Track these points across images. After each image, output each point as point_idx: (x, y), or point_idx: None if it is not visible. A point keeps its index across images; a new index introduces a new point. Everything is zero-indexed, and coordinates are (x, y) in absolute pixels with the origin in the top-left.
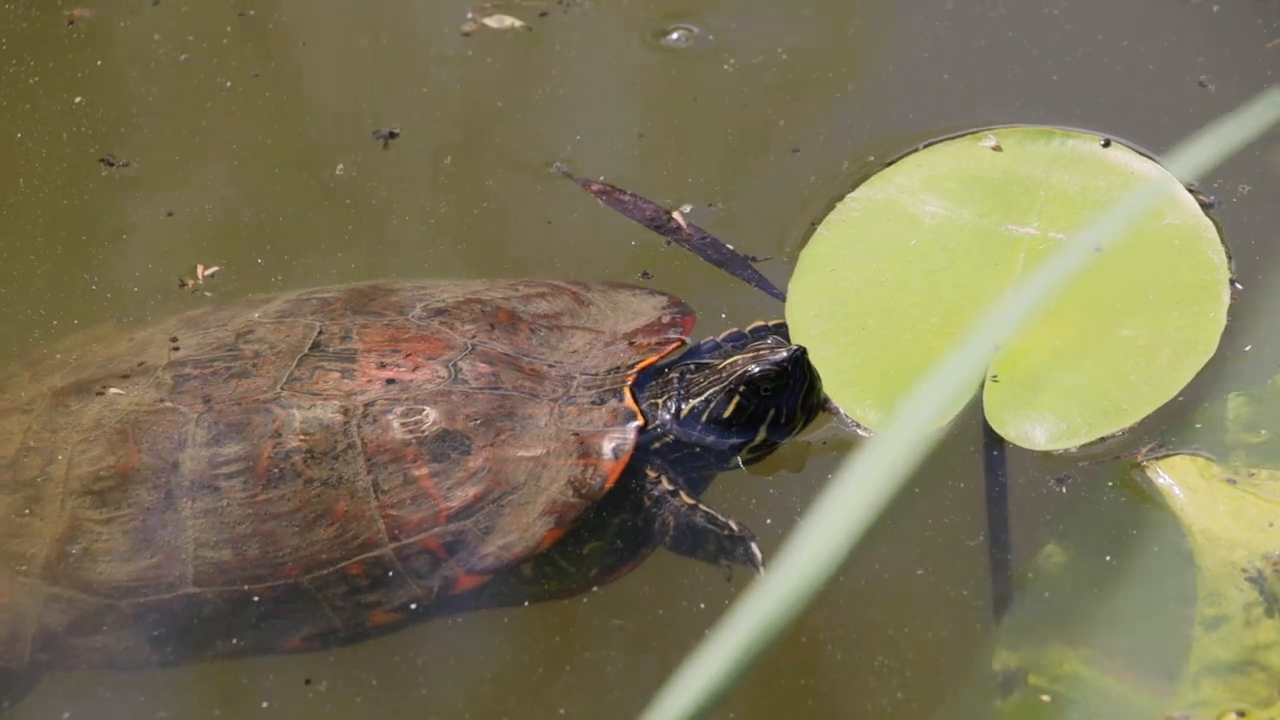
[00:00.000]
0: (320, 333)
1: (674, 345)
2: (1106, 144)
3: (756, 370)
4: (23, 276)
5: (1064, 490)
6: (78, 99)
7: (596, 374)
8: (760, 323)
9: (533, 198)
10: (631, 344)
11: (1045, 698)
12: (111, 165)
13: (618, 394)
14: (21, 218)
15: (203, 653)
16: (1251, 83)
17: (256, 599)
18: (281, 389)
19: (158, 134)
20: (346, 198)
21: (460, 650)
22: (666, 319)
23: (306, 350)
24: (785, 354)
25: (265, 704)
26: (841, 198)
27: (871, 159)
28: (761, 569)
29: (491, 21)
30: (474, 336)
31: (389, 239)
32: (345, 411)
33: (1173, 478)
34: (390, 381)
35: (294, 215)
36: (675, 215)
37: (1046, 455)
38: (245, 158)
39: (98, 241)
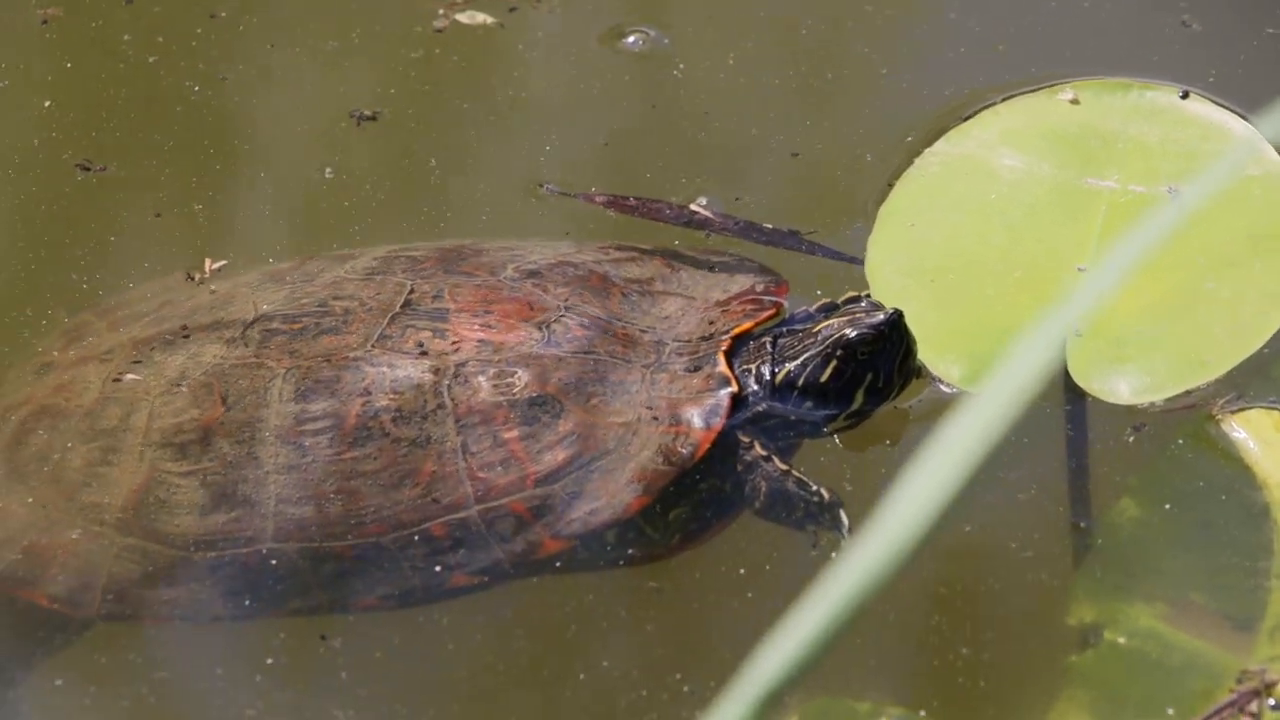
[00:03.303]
0: (412, 291)
1: (769, 312)
2: (1185, 95)
3: (854, 334)
4: (5, 280)
5: (1140, 440)
6: (47, 103)
7: (689, 340)
8: (853, 292)
9: (519, 215)
10: (725, 310)
11: (1121, 652)
12: (88, 170)
13: (712, 360)
14: None
15: (276, 608)
16: None
17: (336, 557)
18: (372, 347)
19: (130, 137)
20: (337, 193)
21: (488, 608)
22: (760, 287)
23: (398, 309)
24: (882, 317)
25: (270, 660)
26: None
27: (910, 139)
28: (847, 535)
29: (464, 18)
30: (567, 299)
31: (393, 234)
32: (436, 371)
33: (1248, 431)
34: (482, 342)
35: (288, 212)
36: (695, 208)
37: (1129, 410)
38: (226, 159)
39: (83, 244)
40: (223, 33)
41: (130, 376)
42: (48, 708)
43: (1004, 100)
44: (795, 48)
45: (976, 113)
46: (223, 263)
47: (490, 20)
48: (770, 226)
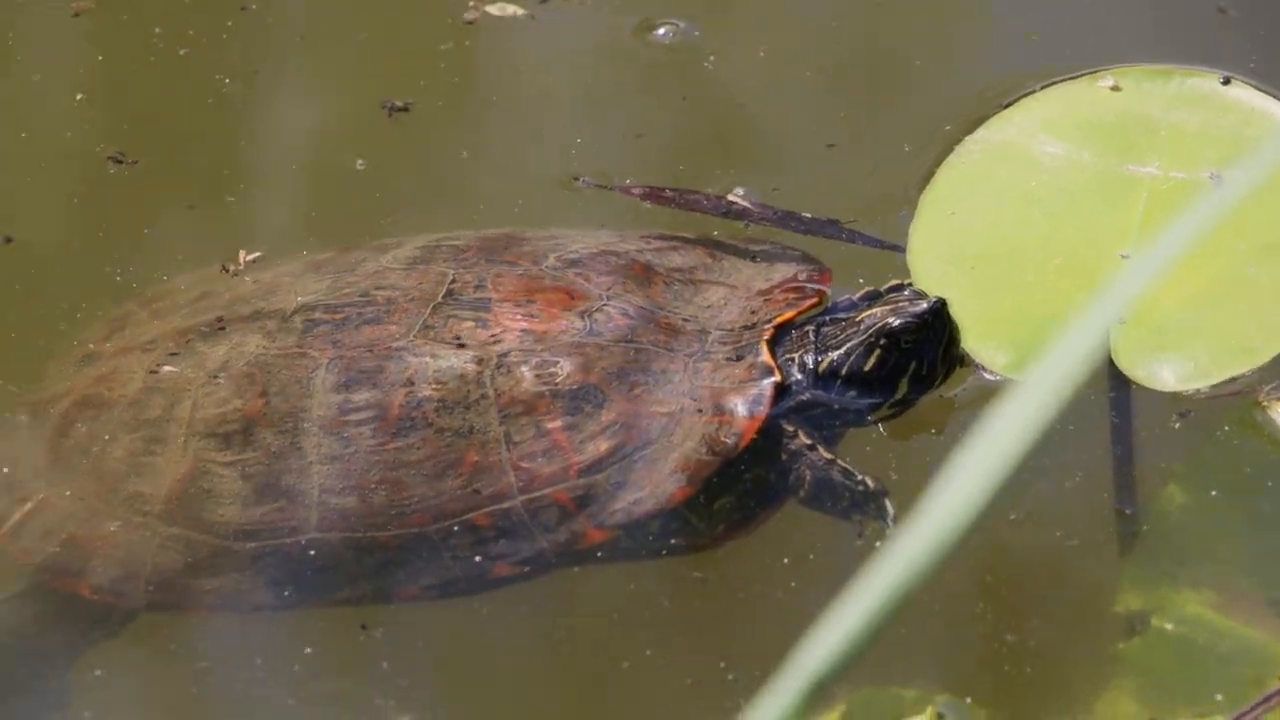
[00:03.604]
0: (454, 281)
1: (812, 301)
2: (1226, 82)
3: (897, 323)
4: (40, 273)
5: (1185, 426)
6: (79, 96)
7: (733, 329)
8: (896, 281)
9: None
10: (768, 300)
11: (1168, 640)
12: (121, 163)
13: (755, 349)
14: (33, 216)
15: (319, 598)
16: None
17: (380, 547)
18: (415, 337)
19: (163, 130)
20: (369, 185)
21: (528, 597)
22: (803, 275)
23: (440, 298)
24: (926, 305)
25: (309, 650)
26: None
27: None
28: (893, 525)
29: (494, 9)
30: (609, 289)
31: (425, 226)
32: (479, 361)
33: None
34: (525, 332)
35: (320, 204)
36: (732, 198)
37: (1174, 396)
38: (258, 151)
39: (116, 236)
40: (253, 25)
41: (170, 368)
42: (89, 699)
43: (1044, 88)
44: (827, 40)
45: (1017, 100)
46: (257, 254)
47: (521, 12)
48: (809, 215)
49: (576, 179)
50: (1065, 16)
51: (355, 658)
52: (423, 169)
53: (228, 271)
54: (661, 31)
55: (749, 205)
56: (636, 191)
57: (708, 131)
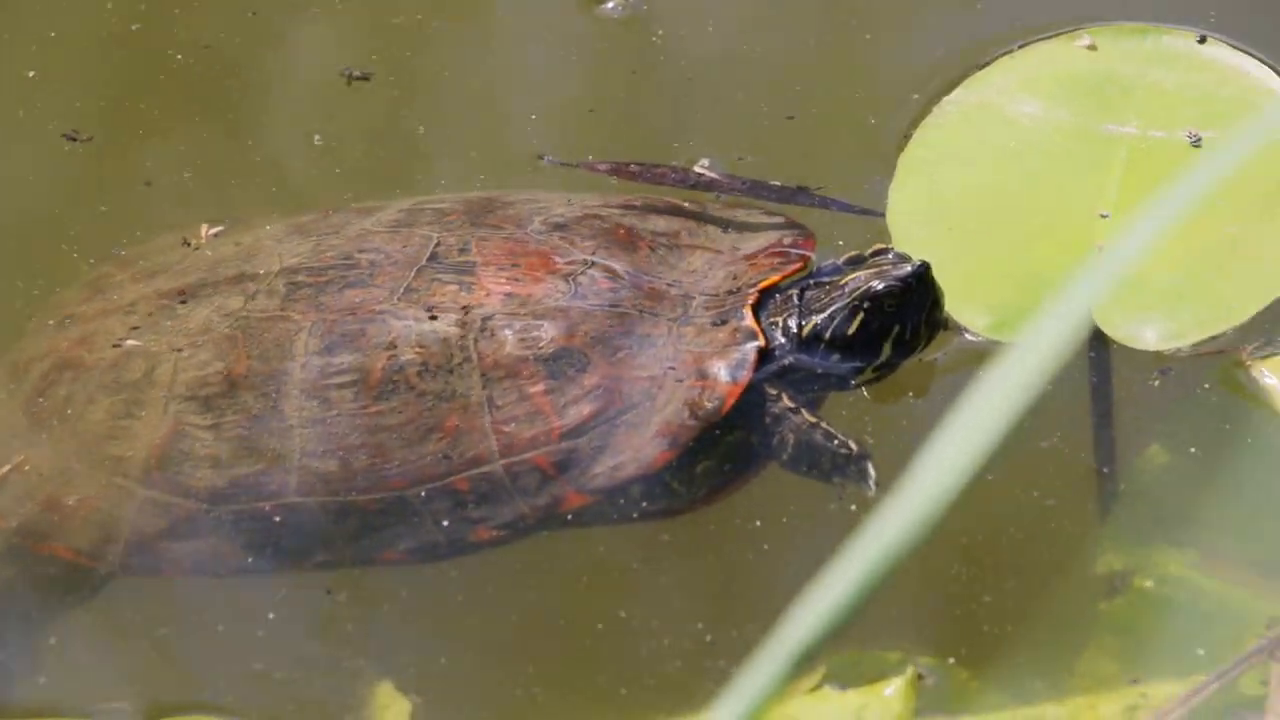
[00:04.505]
0: (438, 244)
1: (796, 265)
2: (1203, 40)
3: (881, 286)
4: None
5: (1165, 385)
6: (30, 73)
7: (716, 294)
8: (880, 245)
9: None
10: (752, 264)
11: (1149, 599)
12: (75, 140)
13: (738, 314)
14: None
15: (299, 562)
16: None
17: (360, 511)
18: (398, 300)
19: (116, 106)
20: (328, 160)
21: (497, 560)
22: (787, 240)
23: (424, 262)
24: (910, 268)
25: (272, 615)
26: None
27: (916, 97)
28: (874, 488)
29: None
30: (594, 253)
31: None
32: (462, 325)
33: (1277, 377)
34: (509, 296)
35: (278, 178)
36: (699, 170)
37: (1156, 355)
38: (213, 126)
39: (73, 213)
40: (204, 1)
41: (153, 330)
42: (45, 665)
43: (1021, 48)
44: (776, 15)
45: (993, 61)
46: (219, 228)
47: None
48: (779, 184)
49: (541, 157)
50: None
51: (322, 622)
52: (380, 144)
53: (189, 245)
54: (610, 5)
55: (716, 176)
56: (602, 167)
57: (661, 106)
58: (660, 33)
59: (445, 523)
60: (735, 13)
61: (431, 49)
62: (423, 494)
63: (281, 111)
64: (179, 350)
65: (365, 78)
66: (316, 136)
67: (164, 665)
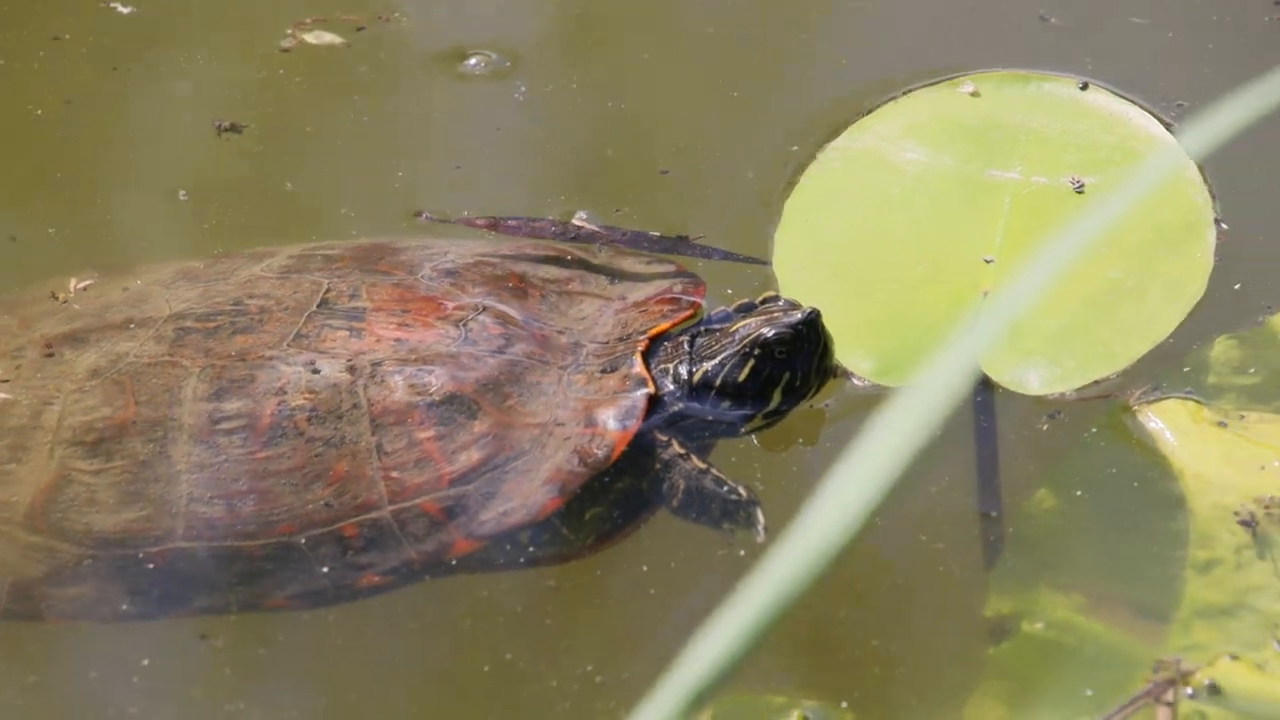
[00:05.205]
0: (328, 290)
1: (687, 313)
2: (1084, 87)
3: (771, 333)
4: None
5: (1053, 431)
6: None
7: (607, 341)
8: (770, 292)
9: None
10: (643, 311)
11: (1037, 643)
12: None
13: (628, 361)
14: None
15: (182, 608)
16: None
17: (246, 556)
18: (288, 346)
19: None
20: (199, 214)
21: (378, 604)
22: (678, 288)
23: (314, 307)
24: (800, 315)
25: (147, 662)
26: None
27: (795, 148)
28: (763, 534)
29: (311, 38)
30: (485, 299)
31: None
32: (352, 371)
33: (1164, 421)
34: (399, 342)
35: (146, 232)
36: (577, 222)
37: (1039, 400)
38: (76, 182)
39: None
40: (66, 56)
41: (40, 374)
42: None
43: (905, 94)
44: (639, 75)
45: (877, 107)
46: (88, 282)
47: (338, 40)
48: (658, 234)
49: (418, 214)
50: (873, 43)
51: (198, 667)
52: (253, 197)
53: (57, 299)
54: (473, 62)
55: (596, 228)
56: (480, 223)
57: (529, 161)
58: (524, 89)
59: (333, 569)
60: (599, 73)
61: (293, 105)
62: (310, 539)
63: (145, 166)
64: (65, 395)
65: (236, 129)
66: (182, 192)
67: (33, 714)
